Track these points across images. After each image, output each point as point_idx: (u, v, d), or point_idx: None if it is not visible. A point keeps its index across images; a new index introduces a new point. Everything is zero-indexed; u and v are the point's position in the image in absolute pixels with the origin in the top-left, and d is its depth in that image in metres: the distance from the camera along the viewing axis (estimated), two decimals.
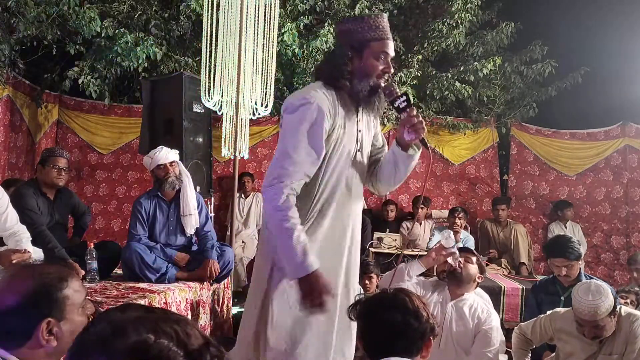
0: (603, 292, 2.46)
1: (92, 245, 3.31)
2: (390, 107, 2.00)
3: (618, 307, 2.56)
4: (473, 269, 2.86)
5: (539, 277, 4.36)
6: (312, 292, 1.81)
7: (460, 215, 5.50)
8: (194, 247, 3.80)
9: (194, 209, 3.67)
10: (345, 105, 2.00)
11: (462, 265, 2.80)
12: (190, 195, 3.67)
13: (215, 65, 4.06)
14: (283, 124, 1.97)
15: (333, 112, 1.94)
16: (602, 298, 2.44)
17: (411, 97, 2.06)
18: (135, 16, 5.64)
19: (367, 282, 3.87)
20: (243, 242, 5.97)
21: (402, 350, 1.52)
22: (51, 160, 3.62)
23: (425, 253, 4.65)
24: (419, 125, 1.91)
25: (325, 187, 1.99)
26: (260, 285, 2.00)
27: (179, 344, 0.77)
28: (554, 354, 2.92)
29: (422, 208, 6.05)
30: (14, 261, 2.60)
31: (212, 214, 5.16)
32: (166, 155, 3.61)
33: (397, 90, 1.98)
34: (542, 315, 2.89)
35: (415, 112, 1.93)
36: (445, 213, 6.16)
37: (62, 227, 3.81)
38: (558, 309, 2.87)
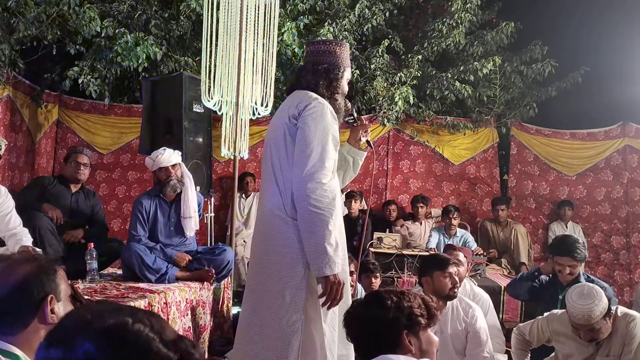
0: (596, 295, 2.42)
1: (92, 245, 3.31)
2: (348, 120, 2.40)
3: (614, 308, 2.55)
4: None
5: None
6: (338, 290, 1.99)
7: (454, 216, 5.51)
8: (194, 247, 3.80)
9: (194, 212, 3.66)
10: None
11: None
12: (191, 198, 3.66)
13: (215, 65, 4.06)
14: (306, 120, 2.08)
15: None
16: (595, 301, 2.40)
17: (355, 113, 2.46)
18: (135, 16, 5.63)
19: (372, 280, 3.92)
20: (244, 241, 5.96)
21: (388, 347, 1.50)
22: (73, 156, 3.99)
23: (425, 253, 4.70)
24: (368, 128, 2.47)
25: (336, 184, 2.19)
26: (288, 303, 2.08)
27: (154, 332, 0.79)
28: (553, 354, 2.92)
29: (421, 207, 6.05)
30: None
31: (212, 214, 5.16)
32: (169, 157, 3.60)
33: (349, 107, 2.38)
34: (540, 317, 2.89)
35: (364, 121, 2.41)
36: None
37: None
38: (555, 311, 2.86)
